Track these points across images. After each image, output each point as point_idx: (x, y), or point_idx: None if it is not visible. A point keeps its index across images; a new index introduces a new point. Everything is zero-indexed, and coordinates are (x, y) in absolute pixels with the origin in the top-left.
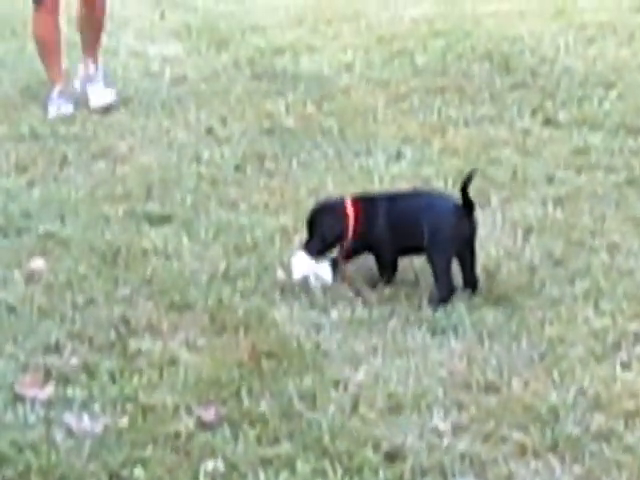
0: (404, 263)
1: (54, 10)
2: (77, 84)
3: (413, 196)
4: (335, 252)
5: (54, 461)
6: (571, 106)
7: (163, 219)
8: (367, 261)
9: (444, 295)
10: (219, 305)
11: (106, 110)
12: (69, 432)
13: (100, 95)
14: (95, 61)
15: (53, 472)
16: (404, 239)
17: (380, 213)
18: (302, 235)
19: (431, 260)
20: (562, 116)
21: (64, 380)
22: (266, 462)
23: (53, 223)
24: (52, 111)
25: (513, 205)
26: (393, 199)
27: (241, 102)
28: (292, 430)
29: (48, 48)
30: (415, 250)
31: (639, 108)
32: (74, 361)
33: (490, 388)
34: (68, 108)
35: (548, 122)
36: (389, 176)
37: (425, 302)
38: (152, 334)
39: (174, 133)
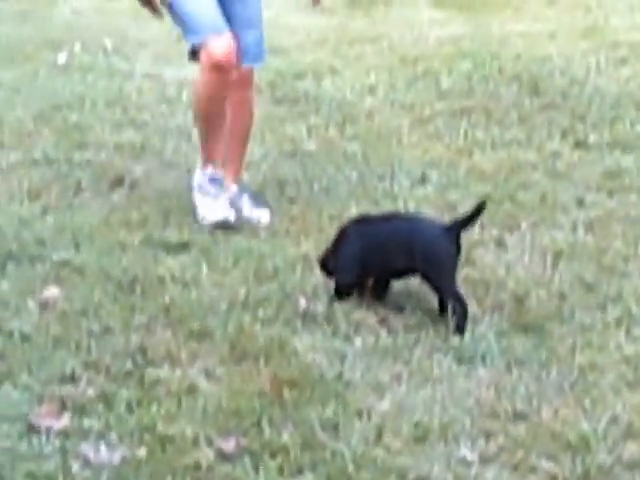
0: (429, 290)
1: (229, 69)
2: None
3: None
4: None
5: None
6: (602, 128)
7: (181, 246)
8: (391, 287)
9: (462, 315)
10: (239, 333)
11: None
12: (86, 463)
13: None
14: (237, 178)
15: None
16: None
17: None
18: None
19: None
20: (593, 138)
21: (80, 410)
22: None
23: (68, 251)
24: (205, 212)
25: (542, 230)
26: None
27: (261, 126)
28: (315, 460)
29: (212, 122)
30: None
31: None
32: (90, 391)
33: (519, 417)
34: (226, 210)
35: (579, 144)
36: (414, 200)
37: (451, 330)
38: (170, 363)
39: (192, 157)
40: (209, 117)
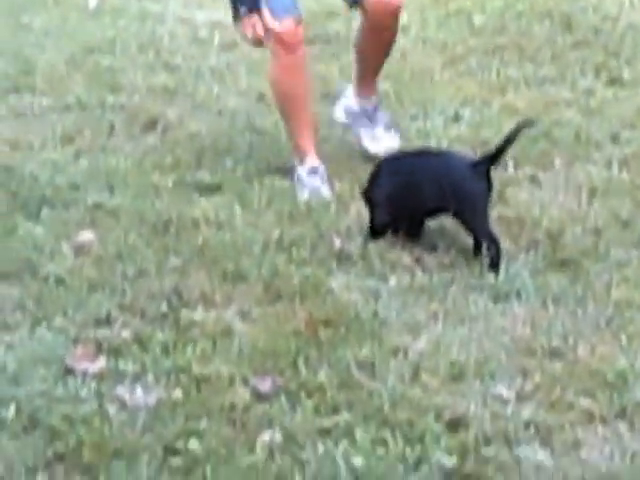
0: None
1: (297, 47)
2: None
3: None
4: None
5: (107, 435)
6: (636, 64)
7: (214, 188)
8: (426, 227)
9: (496, 253)
10: (273, 274)
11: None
12: (122, 405)
13: (380, 141)
14: (375, 91)
15: (106, 446)
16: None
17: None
18: (358, 202)
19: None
20: (627, 74)
21: (116, 353)
22: (324, 432)
23: (101, 194)
24: (306, 193)
25: (577, 167)
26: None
27: None
28: (351, 400)
29: (295, 105)
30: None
31: None
32: (125, 333)
33: (555, 354)
34: (326, 191)
35: (612, 81)
36: (447, 139)
37: (485, 268)
38: (205, 305)
39: (224, 100)
40: (288, 96)
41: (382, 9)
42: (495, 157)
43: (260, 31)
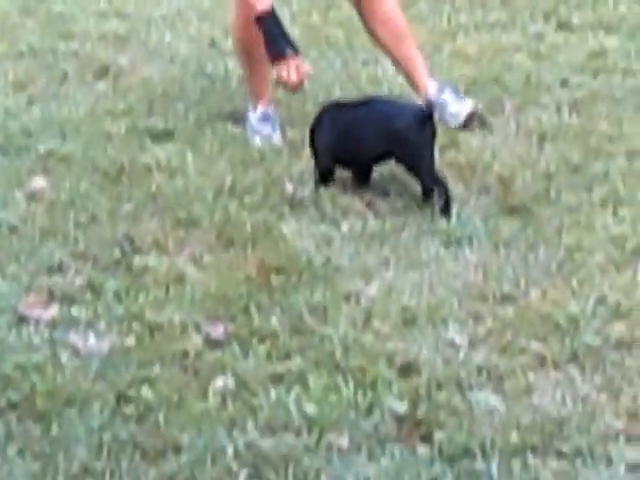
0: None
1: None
2: None
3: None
4: None
5: (60, 382)
6: (586, 9)
7: (166, 134)
8: (376, 173)
9: (445, 196)
10: (226, 220)
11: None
12: (75, 352)
13: (456, 112)
14: (431, 76)
15: (59, 393)
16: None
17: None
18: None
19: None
20: (576, 19)
21: (68, 300)
22: (277, 378)
23: (54, 141)
24: (257, 140)
25: (527, 112)
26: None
27: None
28: (303, 345)
29: (254, 55)
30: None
31: None
32: (78, 281)
33: (507, 299)
34: (277, 138)
35: (562, 26)
36: (398, 85)
37: (438, 213)
38: (157, 251)
39: (176, 46)
40: (248, 47)
41: None
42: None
43: (293, 78)
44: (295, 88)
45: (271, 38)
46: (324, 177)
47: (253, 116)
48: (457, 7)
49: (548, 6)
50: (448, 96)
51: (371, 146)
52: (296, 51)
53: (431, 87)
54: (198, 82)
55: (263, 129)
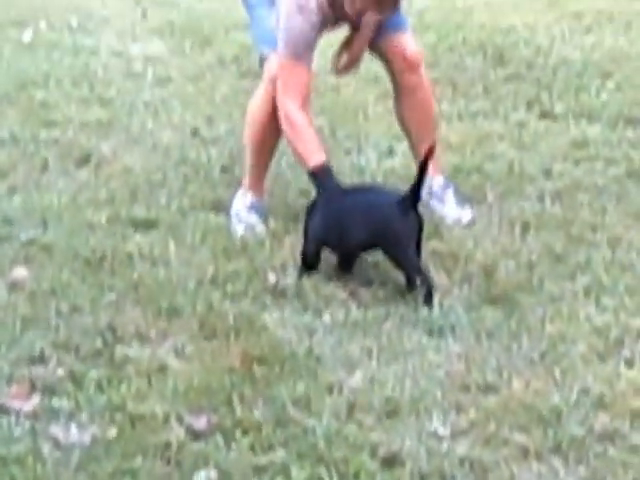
0: None
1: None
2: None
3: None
4: None
5: (41, 474)
6: (568, 97)
7: (149, 223)
8: (361, 261)
9: (428, 285)
10: (208, 310)
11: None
12: (56, 444)
13: (454, 217)
14: (440, 170)
15: None
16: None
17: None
18: (293, 237)
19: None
20: (559, 108)
21: (50, 391)
22: (260, 470)
23: (35, 230)
24: (241, 229)
25: (510, 200)
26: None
27: (227, 101)
28: (286, 437)
29: (265, 145)
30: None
31: (638, 98)
32: (60, 371)
33: (490, 389)
34: (261, 228)
35: (544, 114)
36: (381, 173)
37: (420, 302)
38: (140, 341)
39: (158, 134)
40: (264, 136)
41: (400, 57)
42: (416, 190)
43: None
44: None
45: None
46: (308, 264)
47: (242, 201)
48: (439, 95)
49: (531, 94)
50: (449, 197)
51: (357, 235)
52: None
53: (436, 181)
54: (181, 170)
55: (249, 218)
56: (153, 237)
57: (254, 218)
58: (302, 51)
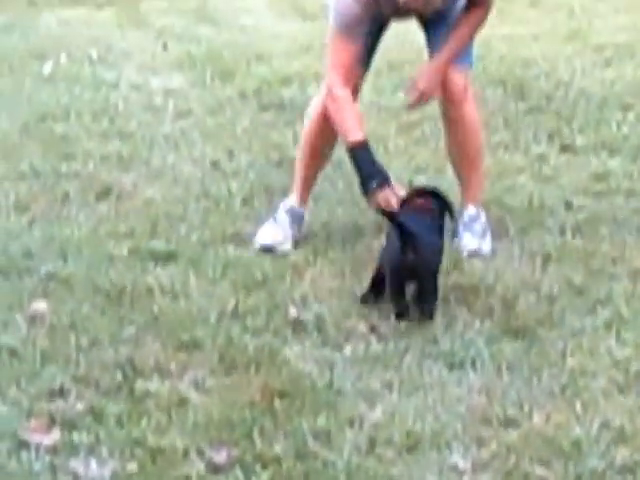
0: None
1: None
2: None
3: None
4: None
5: None
6: (588, 130)
7: (169, 256)
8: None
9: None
10: (228, 344)
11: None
12: (76, 479)
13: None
14: (473, 200)
15: None
16: None
17: None
18: (313, 270)
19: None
20: (579, 141)
21: (70, 425)
22: None
23: (55, 263)
24: (265, 238)
25: (530, 233)
26: None
27: (248, 134)
28: (307, 471)
29: (318, 150)
30: None
31: None
32: (79, 405)
33: (510, 422)
34: (284, 248)
35: (565, 147)
36: None
37: (439, 333)
38: (160, 375)
39: (179, 168)
40: (316, 141)
41: (444, 88)
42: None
43: (394, 204)
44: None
45: (363, 170)
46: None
47: (287, 201)
48: None
49: (551, 127)
50: (477, 226)
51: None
52: (387, 181)
53: (467, 211)
54: (201, 203)
55: (282, 221)
56: (173, 270)
57: (286, 222)
58: (350, 28)
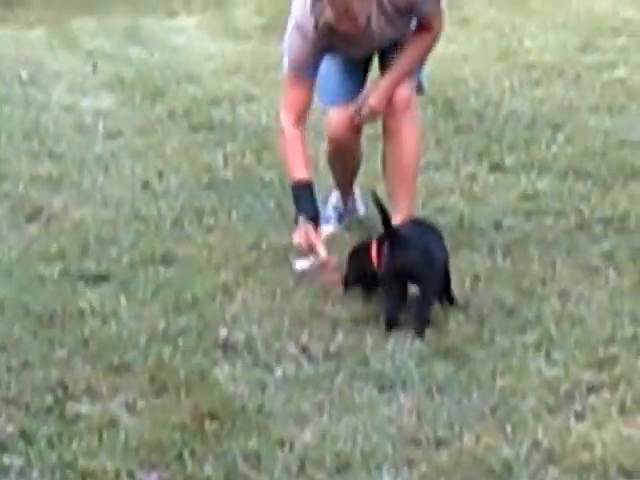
0: (350, 314)
1: (344, 141)
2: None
3: None
4: None
5: None
6: (518, 150)
7: (100, 278)
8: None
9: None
10: (159, 365)
11: None
12: None
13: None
14: (400, 215)
15: None
16: None
17: None
18: (243, 290)
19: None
20: (509, 160)
21: (0, 447)
22: None
23: None
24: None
25: (460, 254)
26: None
27: (178, 155)
28: None
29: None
30: None
31: (587, 151)
32: (10, 427)
33: (441, 443)
34: (330, 227)
35: (495, 167)
36: (331, 226)
37: (369, 355)
38: (91, 397)
39: (109, 189)
40: (335, 164)
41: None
42: (390, 233)
43: (313, 239)
44: (309, 252)
45: (298, 205)
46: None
47: (332, 198)
48: None
49: (481, 147)
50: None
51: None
52: (315, 220)
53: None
54: (131, 225)
55: (326, 217)
56: (104, 292)
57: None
58: (300, 67)
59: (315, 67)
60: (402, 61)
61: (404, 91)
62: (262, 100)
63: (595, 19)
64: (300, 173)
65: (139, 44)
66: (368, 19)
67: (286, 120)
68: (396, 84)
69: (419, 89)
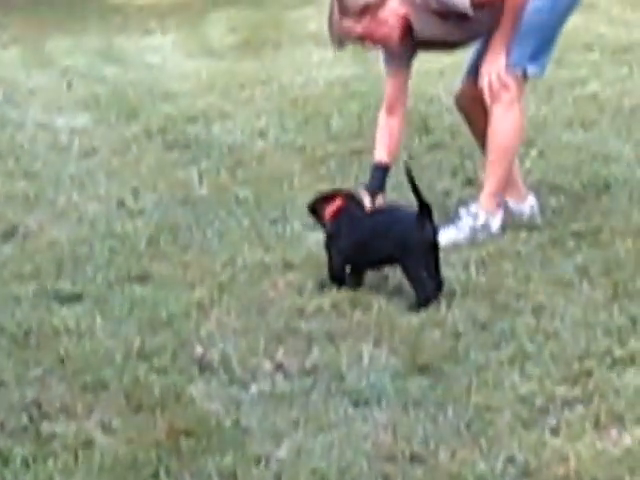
0: (325, 330)
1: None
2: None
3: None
4: None
5: None
6: None
7: (75, 297)
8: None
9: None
10: (135, 384)
11: None
12: None
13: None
14: (480, 200)
15: None
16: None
17: None
18: (218, 308)
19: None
20: (482, 176)
21: None
22: None
23: None
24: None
25: None
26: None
27: (153, 173)
28: None
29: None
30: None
31: (560, 166)
32: None
33: (416, 459)
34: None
35: (469, 182)
36: (307, 243)
37: (345, 371)
38: (66, 416)
39: (84, 207)
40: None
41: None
42: (422, 204)
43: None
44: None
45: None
46: (336, 278)
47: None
48: (365, 165)
49: (454, 163)
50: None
51: (376, 250)
52: (375, 191)
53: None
54: (106, 243)
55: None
56: (79, 310)
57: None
58: (388, 64)
59: (407, 59)
60: (500, 26)
61: (504, 77)
62: (237, 118)
63: (568, 34)
64: (377, 155)
65: (114, 63)
66: (404, 28)
67: (382, 108)
68: (502, 44)
69: (524, 74)
